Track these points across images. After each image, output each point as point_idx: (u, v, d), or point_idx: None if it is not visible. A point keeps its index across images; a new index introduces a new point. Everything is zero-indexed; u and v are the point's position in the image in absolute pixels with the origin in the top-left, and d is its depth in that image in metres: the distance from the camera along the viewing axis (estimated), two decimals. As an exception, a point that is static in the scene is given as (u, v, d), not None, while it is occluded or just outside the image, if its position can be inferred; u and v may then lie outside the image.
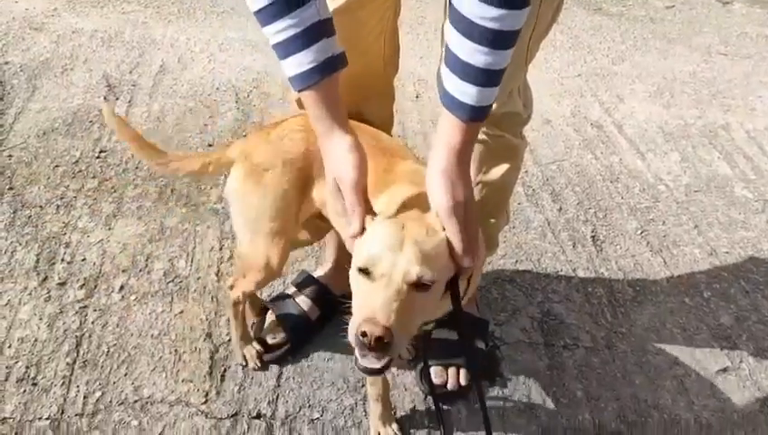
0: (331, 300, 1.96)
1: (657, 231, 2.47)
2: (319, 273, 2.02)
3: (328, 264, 2.02)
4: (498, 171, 1.70)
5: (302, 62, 1.22)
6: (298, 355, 1.92)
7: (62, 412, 1.73)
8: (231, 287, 1.80)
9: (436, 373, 1.82)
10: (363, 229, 1.23)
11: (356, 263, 1.20)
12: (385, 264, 1.15)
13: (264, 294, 2.09)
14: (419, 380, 1.86)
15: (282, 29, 1.20)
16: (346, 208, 1.25)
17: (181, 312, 2.04)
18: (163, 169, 1.73)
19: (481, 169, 1.66)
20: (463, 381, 1.82)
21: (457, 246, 1.19)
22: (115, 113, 1.72)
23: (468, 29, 1.13)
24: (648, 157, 2.85)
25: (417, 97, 3.15)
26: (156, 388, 1.82)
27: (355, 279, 1.20)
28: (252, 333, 1.94)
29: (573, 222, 2.49)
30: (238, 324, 1.85)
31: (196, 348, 1.94)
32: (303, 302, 1.95)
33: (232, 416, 1.77)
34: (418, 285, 1.15)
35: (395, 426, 1.73)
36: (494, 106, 1.53)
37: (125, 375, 1.85)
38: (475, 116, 1.21)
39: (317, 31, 1.21)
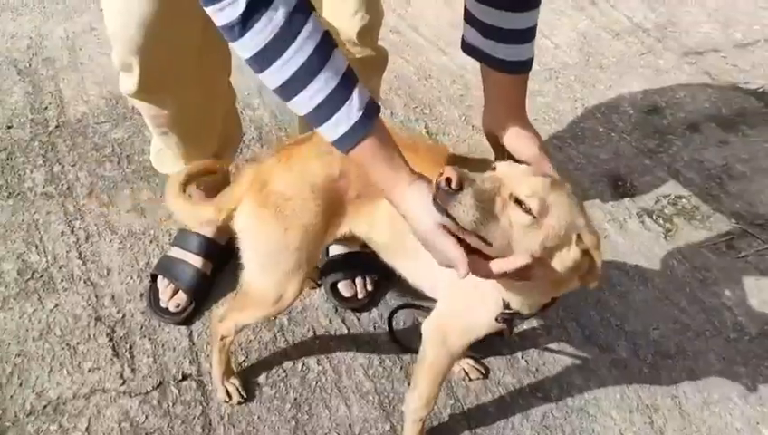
0: (220, 249, 1.94)
1: (477, 114, 2.76)
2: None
3: (203, 214, 1.97)
4: (372, 85, 1.78)
5: (350, 112, 1.08)
6: (202, 309, 1.89)
7: (-33, 444, 1.56)
8: (221, 320, 1.60)
9: (344, 287, 1.92)
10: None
11: None
12: (510, 169, 1.13)
13: (142, 262, 2.01)
14: (330, 296, 1.94)
15: (320, 87, 1.07)
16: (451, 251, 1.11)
17: (56, 305, 1.88)
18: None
19: None
20: (370, 288, 1.94)
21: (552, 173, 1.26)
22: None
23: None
24: (448, 51, 3.10)
25: None
26: (62, 387, 1.70)
27: None
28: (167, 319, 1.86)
29: (407, 123, 2.68)
30: (222, 359, 1.66)
31: (89, 335, 1.82)
32: (194, 259, 1.90)
33: (157, 387, 1.73)
34: (520, 204, 1.07)
35: None
36: (365, 20, 1.60)
37: (20, 386, 1.70)
38: (527, 67, 1.33)
39: (349, 70, 1.10)
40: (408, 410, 1.56)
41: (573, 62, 3.08)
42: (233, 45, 1.08)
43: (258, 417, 1.69)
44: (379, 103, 1.15)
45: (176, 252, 1.93)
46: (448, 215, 1.06)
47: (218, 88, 1.75)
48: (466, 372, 1.79)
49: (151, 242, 2.07)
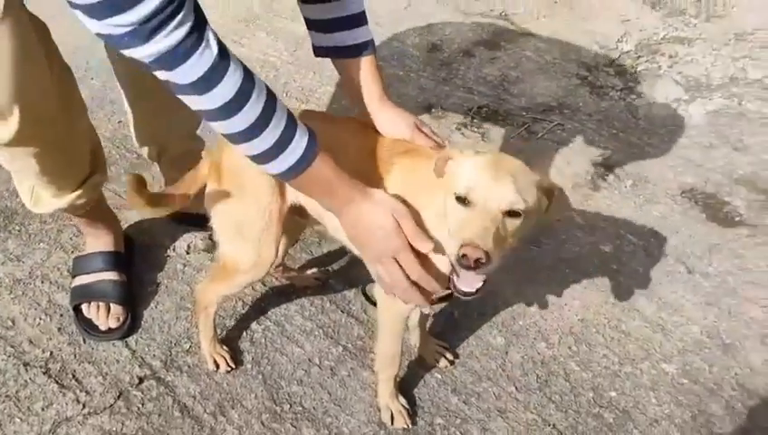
0: (122, 257, 2.01)
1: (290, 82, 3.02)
2: (92, 247, 1.99)
3: (93, 236, 1.99)
4: None
5: (299, 140, 1.26)
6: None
7: None
8: (203, 292, 1.75)
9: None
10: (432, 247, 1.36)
11: (454, 190, 1.30)
12: (482, 192, 1.27)
13: (44, 302, 1.98)
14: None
15: (280, 114, 1.23)
16: (413, 234, 1.34)
17: (-27, 368, 1.80)
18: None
19: None
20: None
21: (438, 142, 1.52)
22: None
23: None
24: (243, 42, 3.31)
25: None
26: (22, 434, 1.67)
27: (452, 207, 1.31)
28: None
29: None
30: (208, 330, 1.80)
31: (26, 381, 1.79)
32: (108, 275, 1.93)
33: (119, 397, 1.77)
34: (511, 213, 1.27)
35: (402, 400, 1.78)
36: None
37: (-24, 450, 1.63)
38: (373, 48, 1.51)
39: (285, 108, 1.26)
40: (377, 370, 1.76)
41: (354, 27, 3.46)
42: (214, 91, 1.16)
43: (227, 384, 1.82)
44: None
45: (84, 278, 1.94)
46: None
47: (83, 113, 1.78)
48: (436, 360, 1.91)
49: (43, 281, 2.04)
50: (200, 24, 1.12)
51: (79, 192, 1.78)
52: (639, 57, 3.31)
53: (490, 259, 1.22)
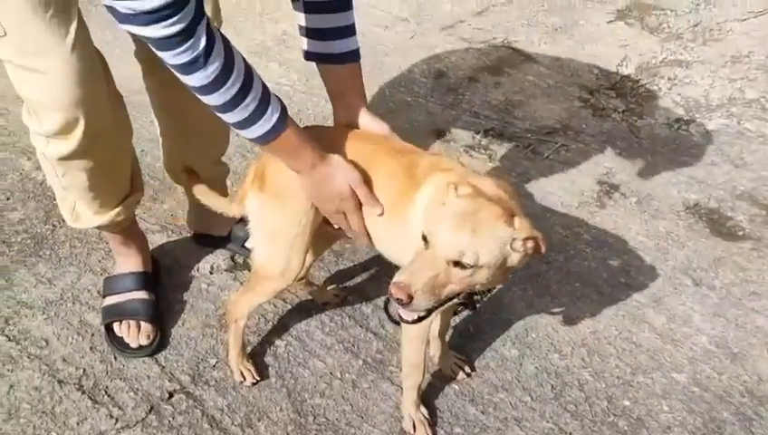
0: (151, 277, 2.10)
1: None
2: (122, 268, 2.08)
3: (123, 256, 2.08)
4: None
5: (273, 110, 1.47)
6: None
7: None
8: (234, 304, 1.86)
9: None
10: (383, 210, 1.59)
11: (422, 228, 1.38)
12: (437, 238, 1.32)
13: (75, 322, 2.06)
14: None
15: (253, 97, 1.43)
16: (366, 200, 1.58)
17: (11, 386, 1.87)
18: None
19: None
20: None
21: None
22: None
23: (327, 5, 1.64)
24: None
25: None
26: (59, 447, 1.74)
27: (417, 239, 1.38)
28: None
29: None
30: (237, 342, 1.88)
31: (60, 397, 1.86)
32: (138, 295, 2.02)
33: (150, 411, 1.84)
34: (458, 264, 1.32)
35: (424, 410, 1.84)
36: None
37: (15, 464, 1.70)
38: (358, 56, 1.69)
39: (261, 92, 1.46)
40: (403, 378, 1.83)
41: (364, 54, 3.59)
42: (191, 77, 1.37)
43: (253, 397, 1.89)
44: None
45: (115, 298, 2.02)
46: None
47: (130, 135, 1.92)
48: (454, 372, 1.98)
49: (74, 303, 2.12)
50: (194, 26, 1.31)
51: (119, 209, 1.89)
52: (640, 80, 3.43)
53: (411, 301, 1.32)
